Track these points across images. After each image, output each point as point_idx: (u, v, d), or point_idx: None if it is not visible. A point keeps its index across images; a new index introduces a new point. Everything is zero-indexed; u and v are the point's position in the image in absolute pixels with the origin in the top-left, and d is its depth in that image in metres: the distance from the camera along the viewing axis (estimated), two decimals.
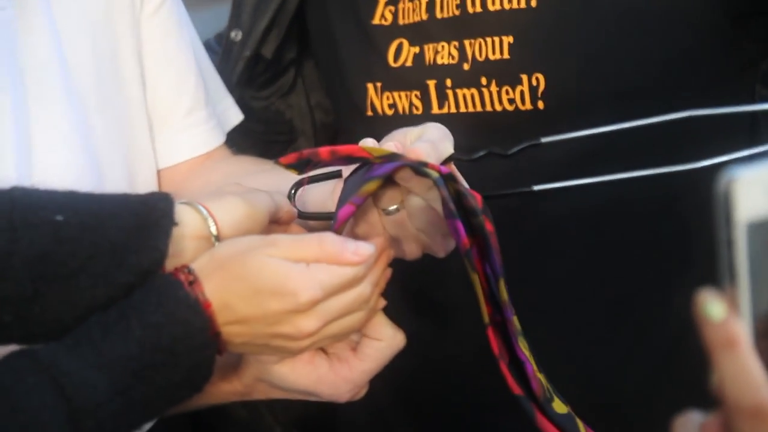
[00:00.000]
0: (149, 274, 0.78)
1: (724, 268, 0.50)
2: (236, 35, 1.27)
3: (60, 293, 0.76)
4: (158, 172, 1.14)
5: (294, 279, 0.78)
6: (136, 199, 0.81)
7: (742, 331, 0.49)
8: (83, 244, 0.76)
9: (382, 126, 1.03)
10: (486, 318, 0.86)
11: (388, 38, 1.19)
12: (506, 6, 1.10)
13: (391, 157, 0.85)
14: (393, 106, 1.19)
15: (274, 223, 0.91)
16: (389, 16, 1.20)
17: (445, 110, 1.15)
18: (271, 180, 0.99)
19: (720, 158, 0.85)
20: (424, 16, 1.16)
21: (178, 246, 0.81)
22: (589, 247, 1.15)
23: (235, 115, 1.24)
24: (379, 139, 0.91)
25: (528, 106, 1.09)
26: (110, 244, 0.77)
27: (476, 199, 0.85)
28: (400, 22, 1.18)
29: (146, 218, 0.79)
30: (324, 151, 0.88)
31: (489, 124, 1.12)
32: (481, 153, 0.93)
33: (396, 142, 0.88)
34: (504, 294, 0.85)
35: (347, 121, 1.27)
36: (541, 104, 1.09)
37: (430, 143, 0.87)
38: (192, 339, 0.76)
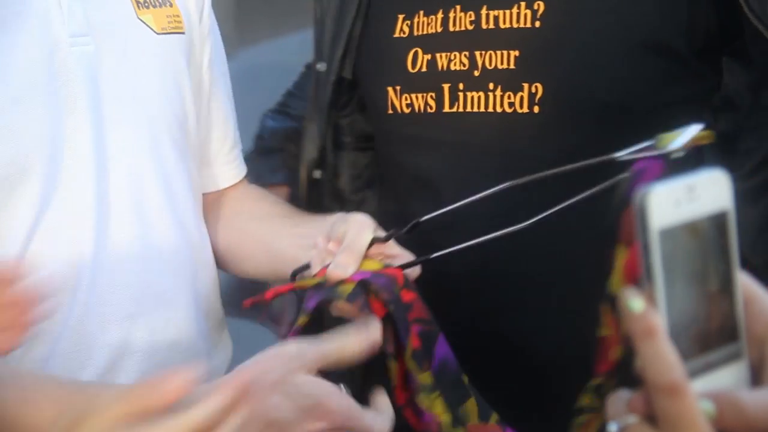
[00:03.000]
0: None
1: (643, 269, 0.58)
2: (321, 66, 1.47)
3: None
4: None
5: None
6: None
7: (659, 321, 0.58)
8: None
9: (400, 122, 1.37)
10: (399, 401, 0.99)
11: (406, 48, 1.39)
12: (515, 25, 1.31)
13: (318, 286, 0.99)
14: (410, 105, 1.39)
15: None
16: (406, 29, 1.40)
17: (454, 109, 1.35)
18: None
19: (628, 150, 0.98)
20: (439, 29, 1.37)
21: None
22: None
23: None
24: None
25: (525, 109, 1.30)
26: None
27: (394, 280, 0.94)
28: (416, 33, 1.39)
29: None
30: (268, 294, 1.03)
31: (491, 123, 1.33)
32: (408, 227, 1.12)
33: (321, 238, 1.08)
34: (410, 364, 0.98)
35: (373, 119, 1.47)
36: (536, 108, 1.29)
37: (348, 253, 1.03)
38: None
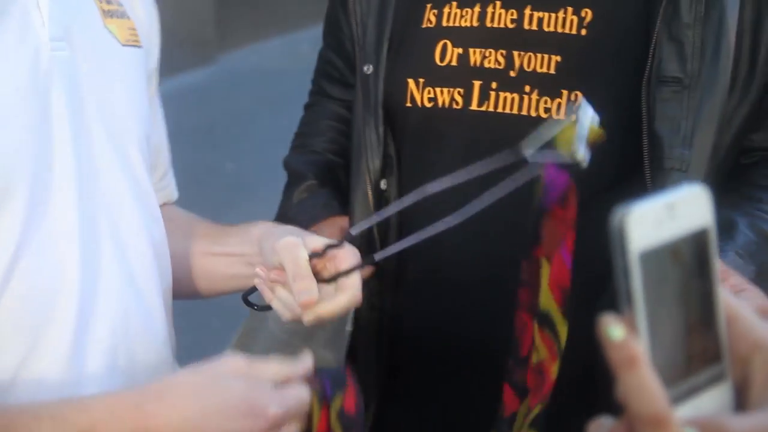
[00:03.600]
0: None
1: (622, 294, 0.55)
2: (368, 69, 1.39)
3: None
4: None
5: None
6: None
7: (640, 350, 0.54)
8: None
9: (419, 116, 1.33)
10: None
11: (433, 39, 1.35)
12: (560, 30, 1.29)
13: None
14: (433, 99, 1.34)
15: None
16: (433, 19, 1.36)
17: (484, 108, 1.31)
18: None
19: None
20: (475, 23, 1.33)
21: None
22: None
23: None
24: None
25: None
26: None
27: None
28: (444, 24, 1.35)
29: None
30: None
31: (523, 126, 1.24)
32: (341, 240, 1.13)
33: (261, 269, 1.11)
34: None
35: (388, 113, 1.40)
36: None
37: (299, 280, 1.06)
38: None
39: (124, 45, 1.11)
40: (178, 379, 0.93)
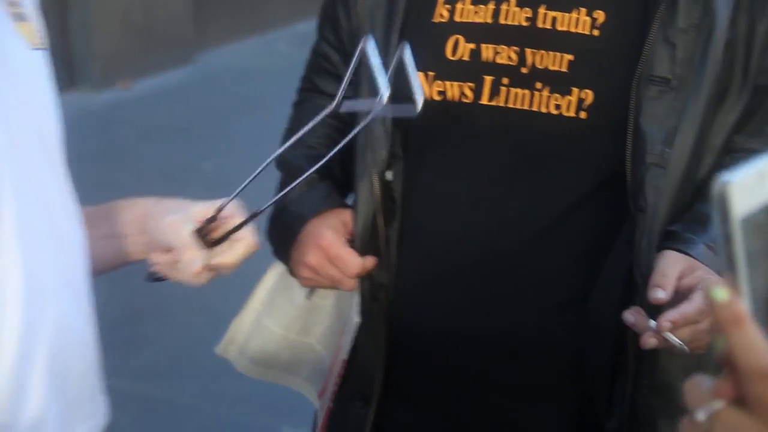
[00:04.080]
0: None
1: (724, 259, 0.59)
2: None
3: None
4: None
5: None
6: None
7: (745, 309, 0.59)
8: None
9: (427, 108, 1.31)
10: None
11: (445, 34, 1.38)
12: (573, 29, 1.34)
13: None
14: (442, 93, 1.38)
15: None
16: (446, 14, 1.39)
17: (494, 102, 1.36)
18: None
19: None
20: (489, 20, 1.37)
21: None
22: None
23: None
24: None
25: (572, 113, 1.33)
26: None
27: None
28: (456, 19, 1.38)
29: None
30: None
31: (533, 121, 1.35)
32: (244, 220, 1.22)
33: (157, 254, 1.22)
34: None
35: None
36: (583, 114, 1.32)
37: (188, 252, 1.19)
38: None
39: (34, 48, 1.11)
40: None
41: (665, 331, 1.19)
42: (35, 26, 1.13)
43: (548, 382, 1.41)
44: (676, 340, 1.21)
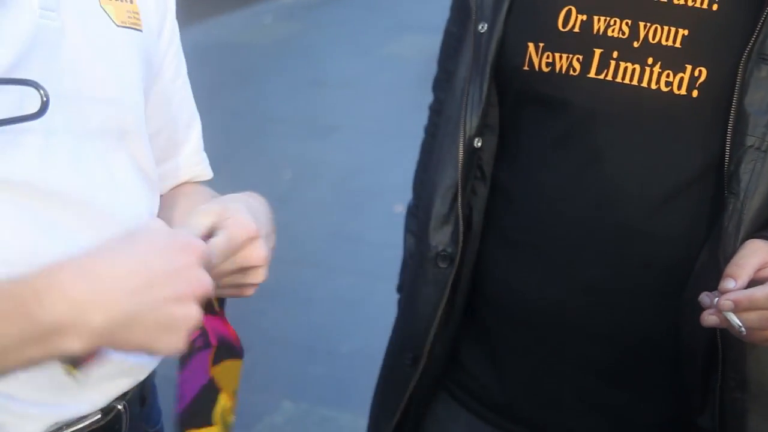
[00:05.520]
0: None
1: None
2: (482, 27, 1.39)
3: None
4: None
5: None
6: None
7: None
8: None
9: (535, 80, 1.33)
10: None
11: (558, 4, 1.35)
12: (689, 3, 1.28)
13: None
14: (551, 64, 1.34)
15: None
16: None
17: (601, 76, 1.31)
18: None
19: None
20: None
21: None
22: None
23: None
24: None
25: (683, 91, 1.28)
26: None
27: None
28: None
29: None
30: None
31: (641, 97, 1.30)
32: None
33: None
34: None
35: (502, 74, 1.40)
36: (695, 93, 1.27)
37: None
38: None
39: (119, 26, 1.12)
40: (125, 240, 0.92)
41: (726, 310, 1.16)
42: (133, 7, 1.14)
43: (645, 370, 1.37)
44: (737, 321, 1.17)
